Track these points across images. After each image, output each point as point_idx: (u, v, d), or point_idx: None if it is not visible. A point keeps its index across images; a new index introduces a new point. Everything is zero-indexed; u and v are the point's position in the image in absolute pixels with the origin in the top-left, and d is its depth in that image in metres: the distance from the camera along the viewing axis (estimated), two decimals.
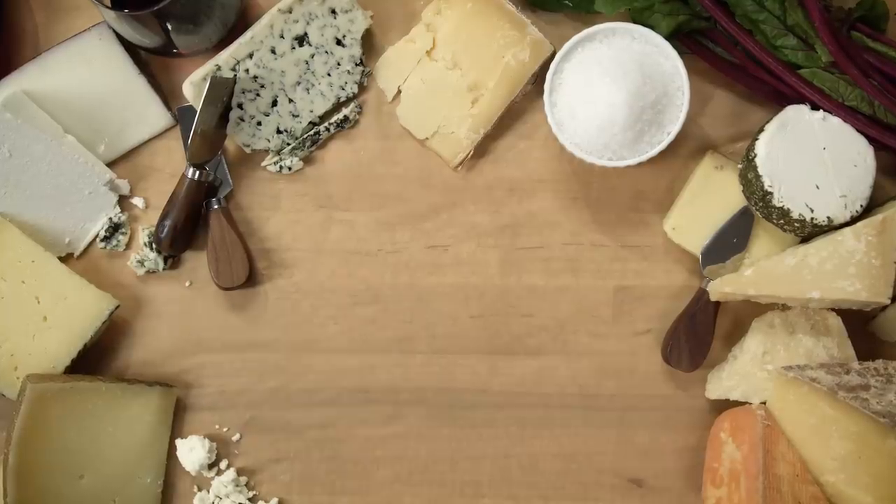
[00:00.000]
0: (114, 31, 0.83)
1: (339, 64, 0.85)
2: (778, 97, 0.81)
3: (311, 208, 0.86)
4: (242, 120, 0.84)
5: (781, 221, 0.78)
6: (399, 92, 0.86)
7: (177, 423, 0.85)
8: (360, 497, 0.85)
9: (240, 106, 0.84)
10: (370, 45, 0.86)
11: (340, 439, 0.85)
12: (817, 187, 0.76)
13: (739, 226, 0.81)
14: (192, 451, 0.83)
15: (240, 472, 0.85)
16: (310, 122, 0.86)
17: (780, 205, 0.76)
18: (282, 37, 0.83)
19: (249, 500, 0.84)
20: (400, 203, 0.86)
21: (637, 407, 0.84)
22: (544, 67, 0.82)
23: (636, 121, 0.77)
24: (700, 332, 0.81)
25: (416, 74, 0.85)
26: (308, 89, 0.85)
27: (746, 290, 0.77)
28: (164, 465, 0.84)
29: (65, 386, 0.79)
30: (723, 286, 0.78)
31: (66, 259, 0.85)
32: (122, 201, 0.86)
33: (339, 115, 0.86)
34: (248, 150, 0.85)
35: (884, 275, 0.75)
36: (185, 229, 0.84)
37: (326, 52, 0.84)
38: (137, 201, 0.86)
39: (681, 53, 0.78)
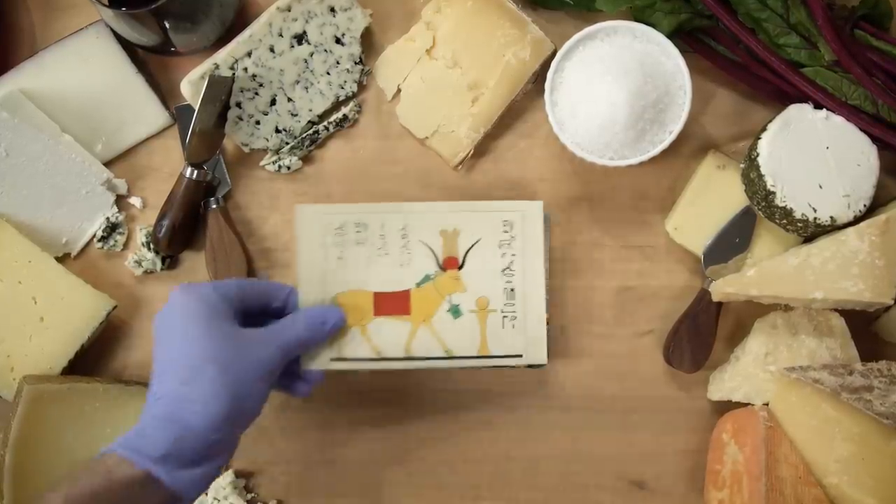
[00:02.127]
0: (111, 29, 0.82)
1: (338, 62, 0.84)
2: (780, 96, 0.80)
3: None
4: (241, 119, 0.84)
5: (784, 221, 0.77)
6: (399, 91, 0.85)
7: None
8: (359, 499, 0.85)
9: (238, 105, 0.83)
10: (369, 44, 0.86)
11: (339, 441, 0.85)
12: (820, 187, 0.76)
13: (741, 226, 0.81)
14: None
15: (238, 474, 0.84)
16: (309, 122, 0.85)
17: (783, 204, 0.76)
18: (280, 35, 0.82)
19: (248, 502, 0.84)
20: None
21: (638, 408, 0.84)
22: (545, 66, 0.81)
23: (638, 120, 0.76)
24: (702, 333, 0.81)
25: (416, 73, 0.84)
26: (307, 88, 0.84)
27: (749, 290, 0.77)
28: None
29: (62, 387, 0.78)
30: (725, 286, 0.78)
31: (63, 259, 0.84)
32: (120, 201, 0.86)
33: (339, 114, 0.85)
34: (246, 150, 0.85)
35: (887, 275, 0.74)
36: (183, 229, 0.83)
37: (325, 50, 0.84)
38: (135, 201, 0.86)
39: (682, 52, 0.77)
